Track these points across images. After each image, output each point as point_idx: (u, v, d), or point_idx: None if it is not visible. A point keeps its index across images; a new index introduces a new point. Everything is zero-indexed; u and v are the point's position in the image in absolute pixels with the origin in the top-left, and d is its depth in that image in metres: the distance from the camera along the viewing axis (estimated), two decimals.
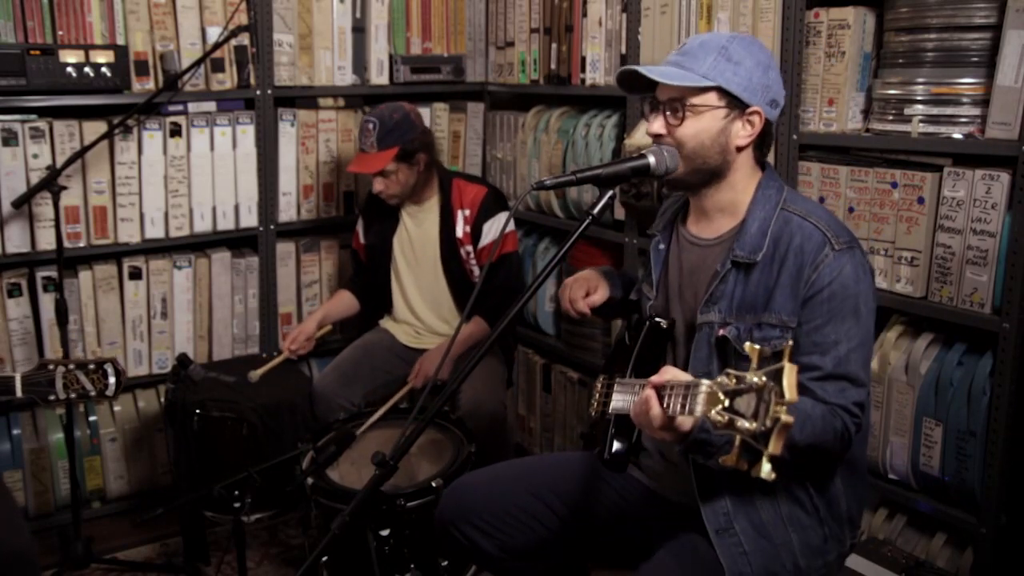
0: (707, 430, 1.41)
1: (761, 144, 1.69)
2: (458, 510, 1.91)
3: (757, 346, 1.18)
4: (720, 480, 1.64)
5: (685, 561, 1.64)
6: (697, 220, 1.77)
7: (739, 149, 1.66)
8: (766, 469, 1.10)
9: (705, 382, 1.26)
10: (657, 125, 1.66)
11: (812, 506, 1.66)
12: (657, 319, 1.75)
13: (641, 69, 1.64)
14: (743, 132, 1.65)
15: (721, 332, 1.66)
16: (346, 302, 3.06)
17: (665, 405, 1.37)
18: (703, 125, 1.62)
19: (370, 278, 3.05)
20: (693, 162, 1.65)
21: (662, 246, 1.85)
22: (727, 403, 1.17)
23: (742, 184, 1.69)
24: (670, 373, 1.41)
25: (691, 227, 1.79)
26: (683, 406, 1.32)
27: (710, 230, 1.74)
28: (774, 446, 1.09)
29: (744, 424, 1.12)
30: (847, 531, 1.71)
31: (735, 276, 1.66)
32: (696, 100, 1.62)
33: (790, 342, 1.13)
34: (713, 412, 1.18)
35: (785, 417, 1.08)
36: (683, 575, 1.62)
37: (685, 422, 1.38)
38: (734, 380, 1.17)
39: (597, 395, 1.87)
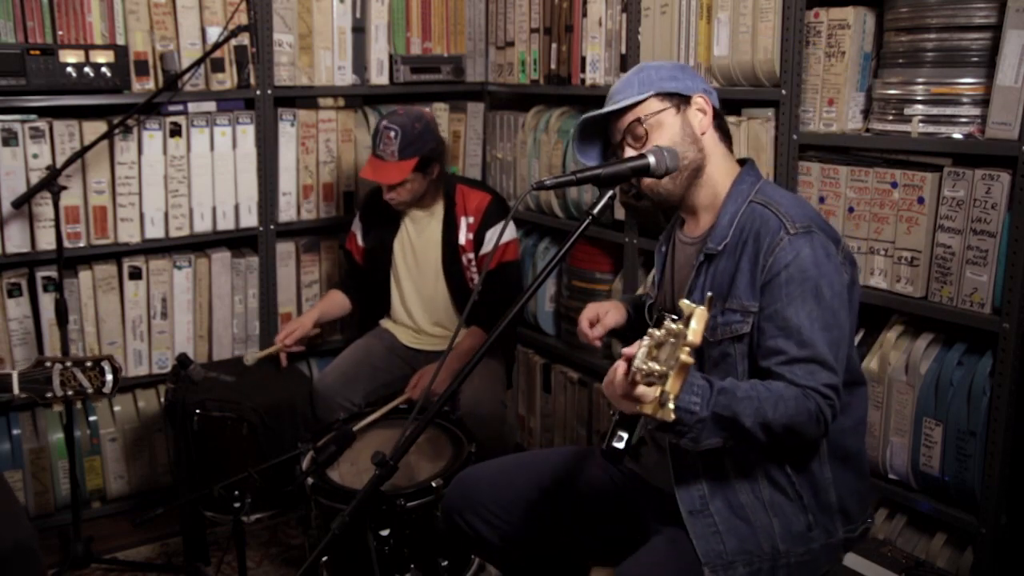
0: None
1: (721, 125, 1.81)
2: (464, 500, 1.96)
3: (687, 302, 1.23)
4: (697, 464, 1.68)
5: (659, 559, 1.66)
6: (687, 221, 1.87)
7: (704, 135, 1.77)
8: (667, 408, 1.13)
9: (647, 338, 1.29)
10: (629, 152, 1.75)
11: (795, 493, 1.68)
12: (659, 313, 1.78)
13: (593, 114, 1.79)
14: (700, 117, 1.77)
15: None
16: (338, 302, 3.07)
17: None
18: (666, 129, 1.74)
19: (367, 280, 3.05)
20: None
21: (663, 248, 1.95)
22: (655, 353, 1.21)
23: (720, 178, 1.78)
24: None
25: (685, 228, 1.88)
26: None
27: (696, 228, 1.83)
28: (672, 384, 1.13)
29: (655, 366, 1.16)
30: (838, 522, 1.71)
31: (706, 268, 1.74)
32: (644, 112, 1.74)
33: (709, 294, 1.23)
34: (636, 361, 1.21)
35: (685, 358, 1.11)
36: (661, 568, 1.64)
37: (647, 393, 1.34)
38: (664, 332, 1.20)
39: None
